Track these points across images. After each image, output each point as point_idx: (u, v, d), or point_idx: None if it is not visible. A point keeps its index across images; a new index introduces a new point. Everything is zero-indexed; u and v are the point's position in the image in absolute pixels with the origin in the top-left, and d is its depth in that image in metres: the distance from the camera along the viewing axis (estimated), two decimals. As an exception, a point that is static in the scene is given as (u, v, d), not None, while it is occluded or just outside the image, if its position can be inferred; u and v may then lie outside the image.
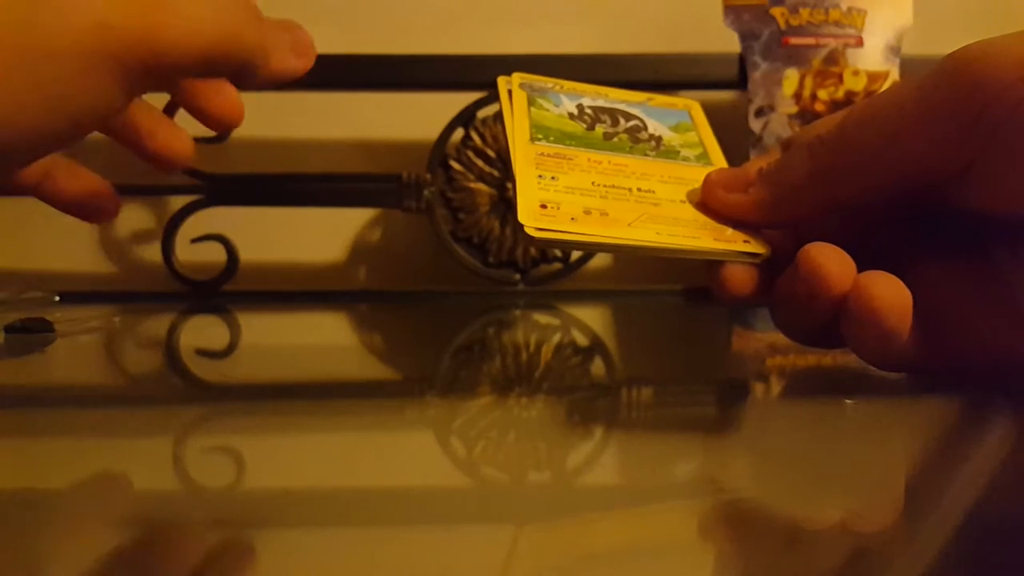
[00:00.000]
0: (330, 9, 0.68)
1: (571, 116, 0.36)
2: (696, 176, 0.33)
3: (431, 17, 0.68)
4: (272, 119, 0.66)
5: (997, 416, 0.29)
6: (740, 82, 0.61)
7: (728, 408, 0.33)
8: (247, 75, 0.30)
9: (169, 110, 0.40)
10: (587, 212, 0.31)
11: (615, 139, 0.36)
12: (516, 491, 0.23)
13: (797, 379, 0.37)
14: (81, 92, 0.26)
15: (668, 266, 0.64)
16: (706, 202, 0.32)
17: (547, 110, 0.36)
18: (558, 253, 0.63)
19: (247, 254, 0.64)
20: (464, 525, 0.20)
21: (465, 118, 0.62)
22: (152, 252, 0.66)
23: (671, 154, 0.36)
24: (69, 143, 0.28)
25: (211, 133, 0.60)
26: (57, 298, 0.56)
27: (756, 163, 0.32)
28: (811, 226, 0.31)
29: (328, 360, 0.42)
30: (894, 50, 0.61)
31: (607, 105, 0.38)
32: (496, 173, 0.62)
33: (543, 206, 0.30)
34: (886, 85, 0.60)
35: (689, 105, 0.39)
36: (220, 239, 0.63)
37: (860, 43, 0.61)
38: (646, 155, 0.35)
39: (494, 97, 0.61)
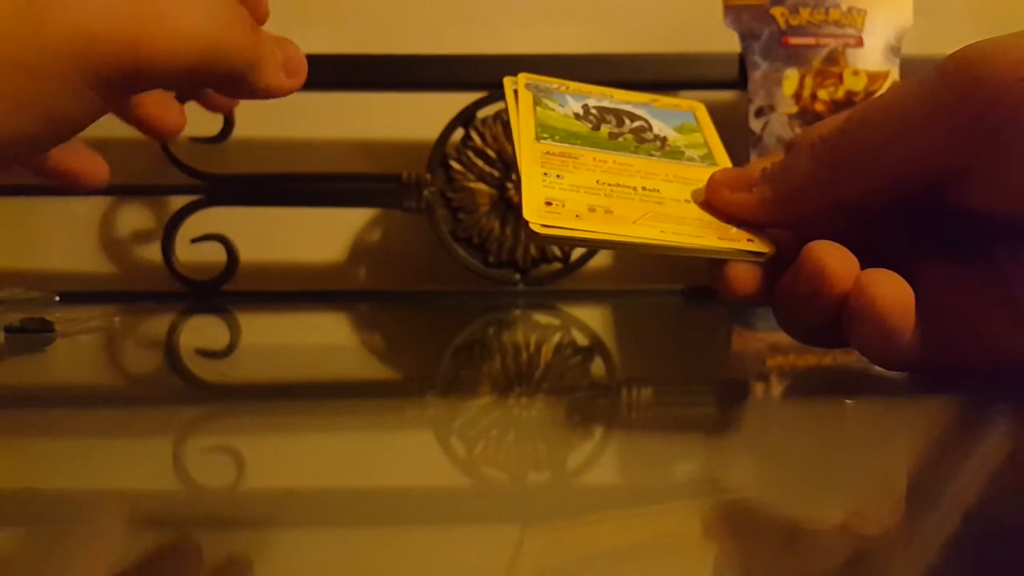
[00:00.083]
0: (330, 9, 0.68)
1: (576, 116, 0.36)
2: (700, 176, 0.33)
3: (431, 17, 0.68)
4: (272, 119, 0.66)
5: (997, 416, 0.29)
6: (740, 82, 0.61)
7: (728, 408, 0.33)
8: (235, 86, 0.30)
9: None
10: (592, 210, 0.31)
11: (620, 139, 0.36)
12: (516, 491, 0.23)
13: (797, 379, 0.37)
14: (62, 102, 0.25)
15: (668, 266, 0.64)
16: (710, 201, 0.32)
17: (553, 110, 0.36)
18: (558, 252, 0.63)
19: (247, 254, 0.64)
20: (464, 525, 0.20)
21: (465, 118, 0.62)
22: (152, 252, 0.66)
23: (676, 154, 0.36)
24: (49, 148, 0.28)
25: (211, 133, 0.60)
26: (57, 298, 0.56)
27: (760, 163, 0.32)
28: (814, 226, 0.31)
29: (328, 360, 0.42)
30: (894, 50, 0.61)
31: (612, 106, 0.38)
32: (496, 173, 0.62)
33: (548, 203, 0.31)
34: (886, 85, 0.60)
35: (694, 106, 0.40)
36: (220, 239, 0.63)
37: (860, 43, 0.61)
38: (651, 155, 0.35)
39: (494, 97, 0.61)
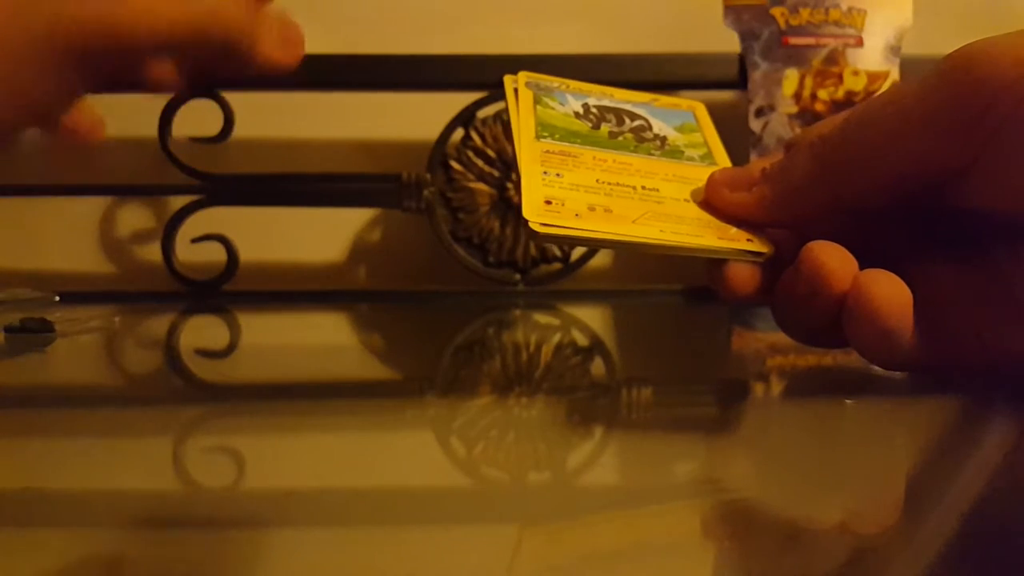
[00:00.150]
0: (330, 9, 0.68)
1: (577, 115, 0.36)
2: (700, 176, 0.33)
3: (431, 17, 0.68)
4: (272, 119, 0.66)
5: (997, 416, 0.29)
6: (740, 82, 0.61)
7: (728, 408, 0.33)
8: (230, 58, 0.30)
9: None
10: (591, 209, 0.31)
11: (620, 138, 0.36)
12: (516, 491, 0.23)
13: (797, 379, 0.37)
14: (40, 85, 0.25)
15: (668, 266, 0.64)
16: (710, 201, 0.32)
17: (553, 109, 0.36)
18: (558, 252, 0.63)
19: (247, 254, 0.64)
20: (464, 525, 0.20)
21: (465, 118, 0.62)
22: (152, 252, 0.66)
23: (676, 154, 0.36)
24: (38, 125, 0.28)
25: (211, 133, 0.60)
26: (57, 298, 0.56)
27: (759, 163, 0.32)
28: (813, 226, 0.31)
29: (328, 360, 0.42)
30: (894, 50, 0.61)
31: (612, 105, 0.38)
32: (496, 173, 0.62)
33: (548, 202, 0.31)
34: (886, 85, 0.60)
35: (694, 106, 0.40)
36: (220, 239, 0.63)
37: (860, 43, 0.61)
38: (651, 154, 0.35)
39: (494, 97, 0.61)
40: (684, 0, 0.67)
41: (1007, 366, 0.30)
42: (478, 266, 0.62)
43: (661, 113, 0.38)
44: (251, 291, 0.64)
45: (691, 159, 0.36)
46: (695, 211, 0.32)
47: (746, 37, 0.61)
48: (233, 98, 0.61)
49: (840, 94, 0.60)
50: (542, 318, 0.57)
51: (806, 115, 0.60)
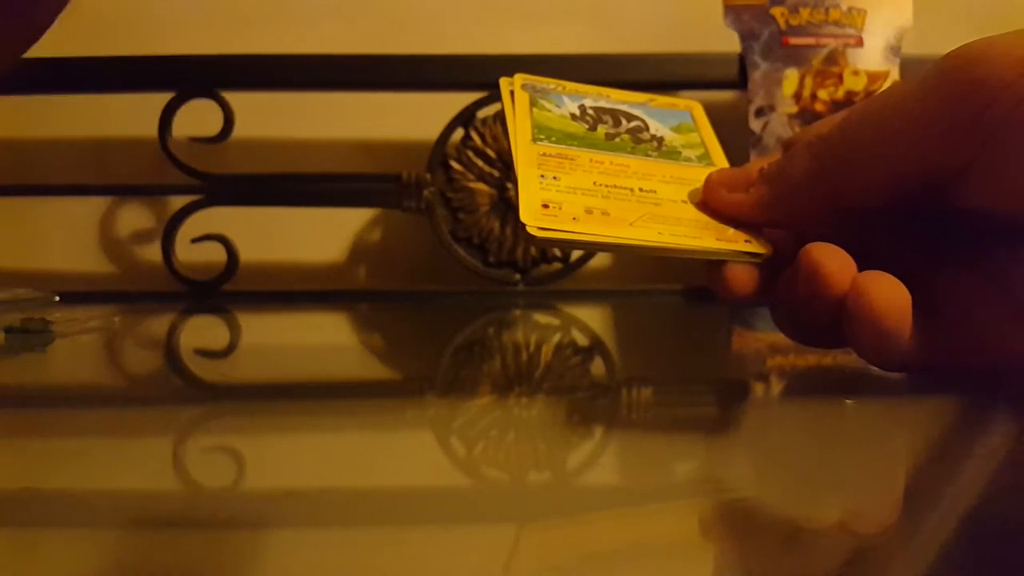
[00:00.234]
0: (330, 9, 0.68)
1: (573, 117, 0.36)
2: (698, 176, 0.33)
3: (431, 17, 0.68)
4: (272, 119, 0.66)
5: (997, 416, 0.29)
6: (740, 82, 0.61)
7: (728, 408, 0.33)
8: None
9: None
10: (589, 212, 0.31)
11: (617, 140, 0.36)
12: (516, 491, 0.23)
13: (797, 379, 0.37)
14: None
15: (668, 266, 0.64)
16: (708, 202, 0.32)
17: (549, 111, 0.36)
18: (558, 253, 0.63)
19: (247, 254, 0.64)
20: (464, 525, 0.20)
21: (465, 118, 0.62)
22: (152, 252, 0.66)
23: (673, 155, 0.36)
24: None
25: (211, 133, 0.60)
26: (57, 298, 0.56)
27: (757, 163, 0.32)
28: (812, 226, 0.31)
29: (328, 360, 0.42)
30: (894, 50, 0.61)
31: (609, 106, 0.38)
32: (496, 173, 0.62)
33: (545, 206, 0.30)
34: (886, 85, 0.60)
35: (691, 106, 0.39)
36: (220, 239, 0.63)
37: (860, 43, 0.61)
38: (648, 155, 0.35)
39: (494, 97, 0.61)
40: (684, 0, 0.67)
41: (1007, 366, 0.30)
42: (478, 266, 0.62)
43: (658, 113, 0.38)
44: (251, 291, 0.64)
45: (688, 160, 0.36)
46: (693, 212, 0.32)
47: (746, 37, 0.61)
48: (233, 98, 0.62)
49: (840, 94, 0.60)
50: (542, 318, 0.57)
51: (806, 115, 0.60)
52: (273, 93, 0.64)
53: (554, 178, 0.32)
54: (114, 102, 0.64)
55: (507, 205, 0.62)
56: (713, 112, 0.40)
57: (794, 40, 0.61)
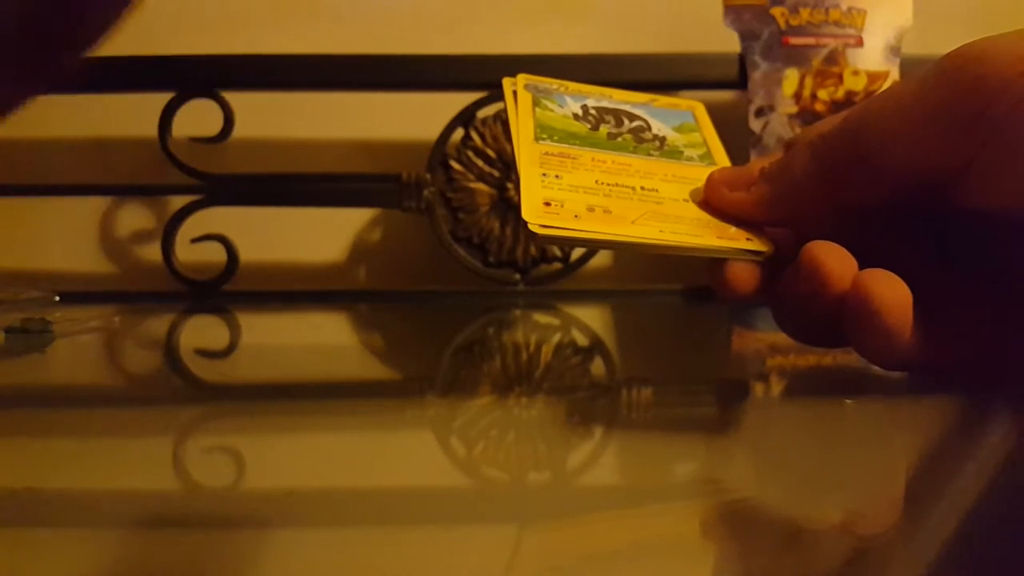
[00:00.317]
0: (330, 9, 0.68)
1: (575, 117, 0.36)
2: (699, 175, 0.33)
3: (431, 17, 0.68)
4: (272, 119, 0.66)
5: (997, 416, 0.29)
6: (740, 82, 0.61)
7: (728, 408, 0.33)
8: None
9: None
10: (590, 210, 0.31)
11: (619, 139, 0.36)
12: (516, 491, 0.23)
13: (797, 379, 0.37)
14: None
15: (668, 266, 0.64)
16: (709, 200, 0.32)
17: (552, 111, 0.36)
18: (558, 252, 0.63)
19: (247, 254, 0.64)
20: (464, 525, 0.20)
21: (465, 118, 0.62)
22: (152, 252, 0.66)
23: (675, 154, 0.36)
24: None
25: (211, 133, 0.60)
26: (57, 298, 0.56)
27: (759, 162, 0.32)
28: (813, 225, 0.31)
29: (328, 360, 0.42)
30: (894, 50, 0.61)
31: (611, 106, 0.38)
32: (496, 173, 0.62)
33: (547, 204, 0.31)
34: (886, 85, 0.60)
35: (693, 106, 0.40)
36: (220, 239, 0.62)
37: (860, 43, 0.61)
38: (650, 155, 0.35)
39: (494, 97, 0.61)
40: (684, 0, 0.67)
41: (1007, 366, 0.30)
42: (478, 266, 0.62)
43: (660, 113, 0.38)
44: (251, 291, 0.64)
45: (690, 159, 0.36)
46: (694, 211, 0.32)
47: (746, 37, 0.61)
48: (233, 98, 0.61)
49: (840, 94, 0.60)
50: (542, 318, 0.57)
51: (806, 115, 0.60)
52: (273, 93, 0.64)
53: (556, 177, 0.32)
54: (114, 102, 0.64)
55: (507, 205, 0.62)
56: (713, 112, 0.40)
57: (794, 40, 0.61)
